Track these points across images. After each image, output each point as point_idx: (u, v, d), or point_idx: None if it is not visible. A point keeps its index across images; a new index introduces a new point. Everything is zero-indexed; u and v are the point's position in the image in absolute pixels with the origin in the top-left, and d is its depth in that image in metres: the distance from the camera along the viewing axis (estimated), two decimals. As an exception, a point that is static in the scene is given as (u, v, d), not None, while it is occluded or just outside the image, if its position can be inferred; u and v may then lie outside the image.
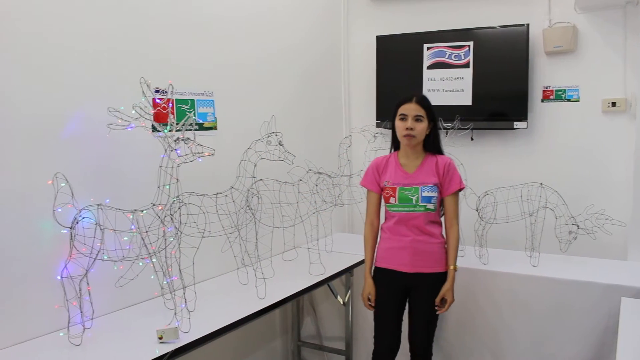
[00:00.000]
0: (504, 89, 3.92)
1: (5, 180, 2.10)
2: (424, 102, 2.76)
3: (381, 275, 2.86)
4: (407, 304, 2.90)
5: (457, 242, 2.81)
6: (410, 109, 2.74)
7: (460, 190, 2.83)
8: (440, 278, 2.82)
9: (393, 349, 2.86)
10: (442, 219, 2.88)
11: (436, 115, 2.82)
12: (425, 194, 2.77)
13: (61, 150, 2.29)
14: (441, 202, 2.85)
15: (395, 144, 2.92)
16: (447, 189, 2.79)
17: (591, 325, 2.89)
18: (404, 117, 2.75)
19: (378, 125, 4.20)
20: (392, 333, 2.86)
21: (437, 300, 2.76)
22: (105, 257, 2.16)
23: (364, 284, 2.89)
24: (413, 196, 2.77)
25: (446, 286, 2.77)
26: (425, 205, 2.77)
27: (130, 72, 2.50)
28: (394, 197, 2.80)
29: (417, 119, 2.73)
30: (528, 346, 3.06)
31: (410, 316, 2.89)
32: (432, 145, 2.84)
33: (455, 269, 2.78)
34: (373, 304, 2.87)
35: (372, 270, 2.95)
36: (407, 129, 2.73)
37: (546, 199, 3.14)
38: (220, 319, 2.40)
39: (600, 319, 2.87)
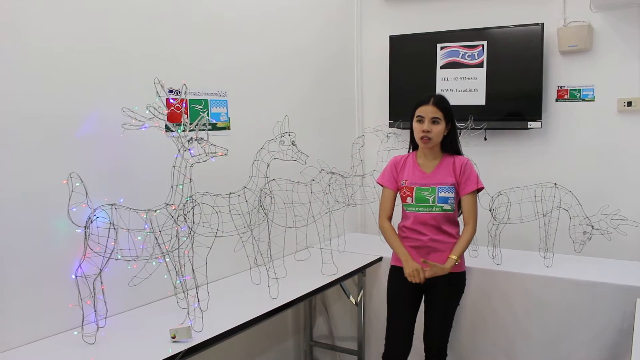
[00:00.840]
0: (518, 88, 3.89)
1: (20, 179, 2.12)
2: (441, 103, 2.75)
3: (397, 274, 2.85)
4: (421, 304, 2.90)
5: (468, 239, 2.78)
6: (427, 111, 2.73)
7: (478, 190, 2.82)
8: (456, 278, 2.81)
9: (404, 351, 2.85)
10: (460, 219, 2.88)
11: (454, 116, 2.81)
12: (442, 194, 2.76)
13: (76, 150, 2.30)
14: (459, 202, 2.84)
15: (414, 144, 2.92)
16: (464, 188, 2.79)
17: (606, 327, 2.87)
18: (420, 120, 2.74)
19: (391, 125, 4.18)
20: (405, 335, 2.85)
21: (425, 265, 2.68)
22: (119, 257, 2.18)
23: (407, 266, 2.72)
24: (430, 196, 2.76)
25: (438, 265, 2.68)
26: (442, 206, 2.76)
27: (144, 72, 2.51)
28: (411, 197, 2.79)
29: (434, 121, 2.72)
30: (542, 347, 3.03)
31: (425, 316, 2.88)
32: (450, 146, 2.83)
33: (456, 261, 2.72)
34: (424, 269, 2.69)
35: (389, 270, 2.94)
36: (423, 131, 2.72)
37: (560, 199, 3.12)
38: (232, 318, 2.41)
39: (615, 320, 2.84)
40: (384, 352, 2.91)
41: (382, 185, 2.94)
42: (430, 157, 2.84)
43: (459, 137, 2.94)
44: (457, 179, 2.78)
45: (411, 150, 2.95)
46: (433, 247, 2.78)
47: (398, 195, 2.90)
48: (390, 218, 2.89)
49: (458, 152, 2.88)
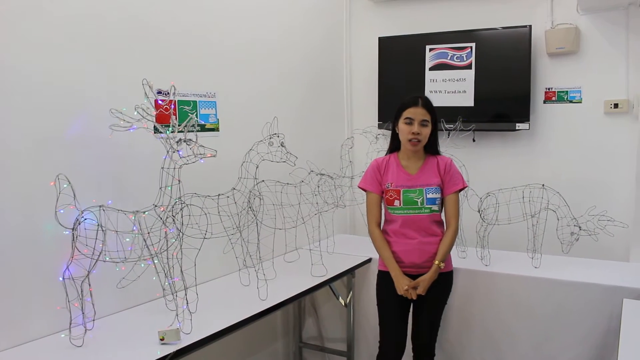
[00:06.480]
0: (506, 90, 3.91)
1: (7, 181, 2.10)
2: (429, 105, 2.76)
3: (385, 279, 2.85)
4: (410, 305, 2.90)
5: (451, 242, 2.79)
6: (417, 113, 2.72)
7: (462, 189, 2.83)
8: (444, 278, 2.82)
9: (398, 352, 2.85)
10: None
11: (437, 117, 2.82)
12: (430, 195, 2.76)
13: (63, 152, 2.29)
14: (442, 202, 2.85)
15: (394, 146, 2.91)
16: (449, 188, 2.79)
17: (593, 327, 2.89)
18: (410, 122, 2.73)
19: (380, 127, 4.20)
20: (398, 336, 2.85)
21: (411, 284, 2.73)
22: (107, 258, 2.17)
23: (399, 286, 2.76)
24: (418, 198, 2.76)
25: (424, 277, 2.74)
26: (431, 207, 2.77)
27: (133, 73, 2.50)
28: (399, 199, 2.78)
29: (423, 123, 2.73)
30: (529, 347, 3.05)
31: (414, 316, 2.90)
32: (432, 147, 2.84)
33: (439, 266, 2.75)
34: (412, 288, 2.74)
35: (377, 274, 2.94)
36: (413, 133, 2.72)
37: (548, 200, 3.13)
38: (221, 320, 2.40)
39: (602, 320, 2.86)
40: (379, 354, 2.91)
41: (365, 190, 2.93)
42: (414, 158, 2.83)
43: (446, 139, 2.94)
44: (441, 178, 2.79)
45: (390, 153, 2.94)
46: (422, 249, 2.78)
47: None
48: (379, 224, 2.88)
49: (438, 153, 2.89)
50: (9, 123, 2.11)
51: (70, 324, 2.13)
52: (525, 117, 3.84)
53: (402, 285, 2.75)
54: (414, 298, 2.76)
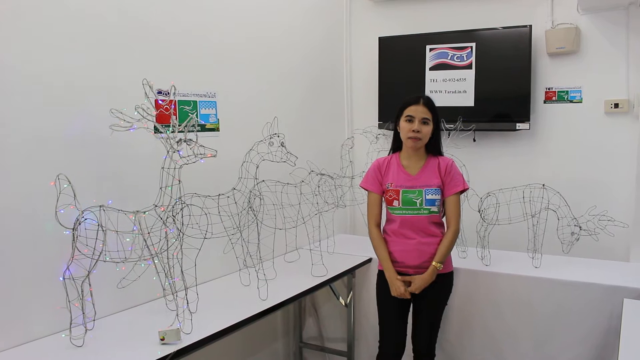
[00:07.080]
0: (506, 90, 3.91)
1: (7, 181, 2.10)
2: (430, 104, 2.76)
3: (385, 278, 2.84)
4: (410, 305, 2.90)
5: (450, 243, 2.78)
6: (418, 111, 2.72)
7: (463, 191, 2.83)
8: (444, 279, 2.82)
9: (398, 352, 2.85)
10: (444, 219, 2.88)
11: (441, 117, 2.82)
12: (429, 196, 2.76)
13: (63, 152, 2.29)
14: (443, 203, 2.84)
15: (396, 145, 2.91)
16: (449, 189, 2.79)
17: (593, 327, 2.89)
18: (410, 119, 2.74)
19: (380, 127, 4.19)
20: (398, 336, 2.85)
21: (405, 285, 2.75)
22: (108, 258, 2.16)
23: (392, 286, 2.78)
24: (417, 199, 2.76)
25: (420, 276, 2.74)
26: (430, 209, 2.76)
27: (133, 73, 2.50)
28: (398, 200, 2.78)
29: (424, 121, 2.73)
30: (530, 347, 3.05)
31: (414, 317, 2.89)
32: (433, 147, 2.83)
33: (437, 267, 2.75)
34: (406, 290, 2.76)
35: (377, 274, 2.94)
36: (413, 131, 2.72)
37: (548, 200, 3.13)
38: (222, 320, 2.40)
39: (603, 320, 2.86)
40: (378, 353, 2.91)
41: (366, 190, 2.93)
42: (415, 158, 2.83)
43: (446, 138, 2.94)
44: (442, 179, 2.79)
45: (392, 152, 2.94)
46: (421, 249, 2.78)
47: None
48: (379, 224, 2.88)
49: (440, 153, 2.88)
50: (9, 123, 2.10)
51: (71, 324, 2.13)
52: (525, 117, 3.84)
53: (395, 287, 2.75)
54: (408, 297, 2.76)
